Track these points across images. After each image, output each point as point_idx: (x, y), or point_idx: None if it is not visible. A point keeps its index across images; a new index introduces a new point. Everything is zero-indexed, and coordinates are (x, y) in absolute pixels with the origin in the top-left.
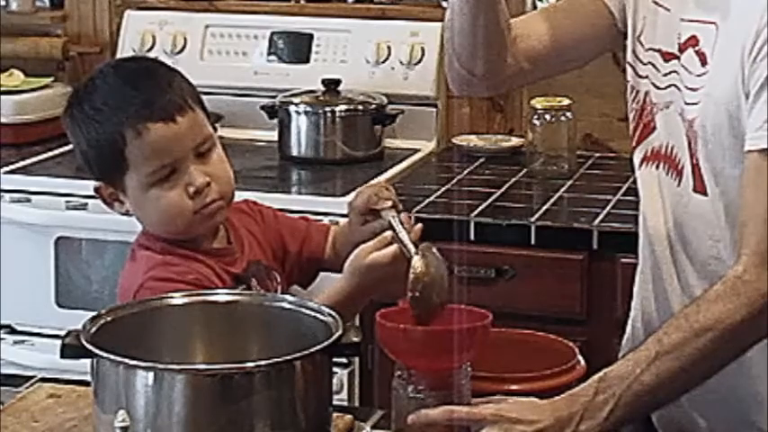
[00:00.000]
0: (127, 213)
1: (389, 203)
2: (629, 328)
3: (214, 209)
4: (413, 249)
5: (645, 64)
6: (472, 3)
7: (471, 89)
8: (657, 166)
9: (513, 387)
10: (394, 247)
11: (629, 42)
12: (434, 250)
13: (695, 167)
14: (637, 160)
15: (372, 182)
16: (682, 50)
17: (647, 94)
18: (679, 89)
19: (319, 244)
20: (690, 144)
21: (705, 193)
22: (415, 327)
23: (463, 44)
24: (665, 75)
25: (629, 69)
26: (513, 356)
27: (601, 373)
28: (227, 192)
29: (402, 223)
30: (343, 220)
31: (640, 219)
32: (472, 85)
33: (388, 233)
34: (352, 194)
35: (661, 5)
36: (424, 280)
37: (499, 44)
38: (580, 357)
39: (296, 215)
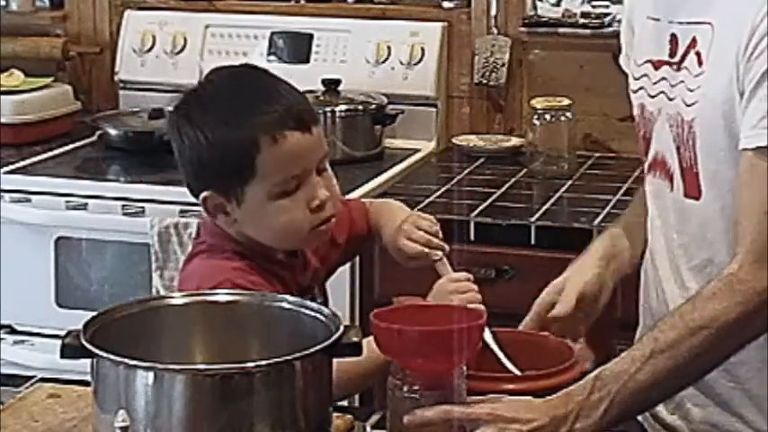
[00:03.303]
0: (232, 224)
1: (445, 260)
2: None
3: (327, 229)
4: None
5: (637, 78)
6: None
7: None
8: (655, 174)
9: (511, 386)
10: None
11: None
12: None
13: (684, 172)
14: (646, 169)
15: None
16: (686, 54)
17: (643, 106)
18: (668, 96)
19: (363, 227)
20: (679, 149)
21: (698, 198)
22: (409, 327)
23: None
24: (655, 83)
25: (630, 80)
26: (512, 356)
27: (596, 372)
28: (336, 209)
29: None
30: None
31: (648, 226)
32: None
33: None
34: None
35: (651, 17)
36: None
37: None
38: None
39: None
